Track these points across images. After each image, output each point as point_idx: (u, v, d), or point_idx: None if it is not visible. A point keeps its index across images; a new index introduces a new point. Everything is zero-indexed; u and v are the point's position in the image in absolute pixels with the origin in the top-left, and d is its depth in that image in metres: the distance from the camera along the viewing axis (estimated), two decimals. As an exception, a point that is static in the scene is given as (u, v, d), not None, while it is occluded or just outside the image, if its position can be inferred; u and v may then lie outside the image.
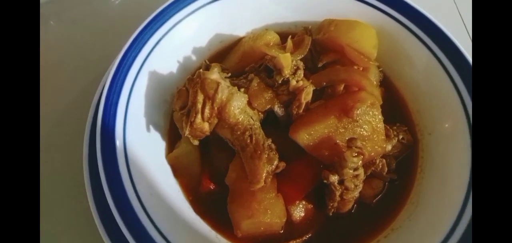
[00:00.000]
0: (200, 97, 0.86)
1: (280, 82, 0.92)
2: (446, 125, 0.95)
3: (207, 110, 0.86)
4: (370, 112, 0.87)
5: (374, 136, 0.88)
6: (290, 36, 1.02)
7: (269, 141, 0.86)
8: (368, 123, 0.87)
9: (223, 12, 1.13)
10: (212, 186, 0.93)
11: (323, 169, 0.84)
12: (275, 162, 0.84)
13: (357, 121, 0.85)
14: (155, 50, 1.02)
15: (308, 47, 1.00)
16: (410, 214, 0.89)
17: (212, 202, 0.92)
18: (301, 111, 0.90)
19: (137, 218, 0.78)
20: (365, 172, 0.85)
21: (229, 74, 0.94)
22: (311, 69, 1.03)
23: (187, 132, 0.88)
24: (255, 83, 0.93)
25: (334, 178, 0.81)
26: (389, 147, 0.93)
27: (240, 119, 0.87)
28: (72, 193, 1.00)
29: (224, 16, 1.14)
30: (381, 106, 0.91)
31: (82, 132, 0.92)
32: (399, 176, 0.95)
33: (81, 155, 0.89)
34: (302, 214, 0.89)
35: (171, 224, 0.82)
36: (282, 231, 0.88)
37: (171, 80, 1.06)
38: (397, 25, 1.06)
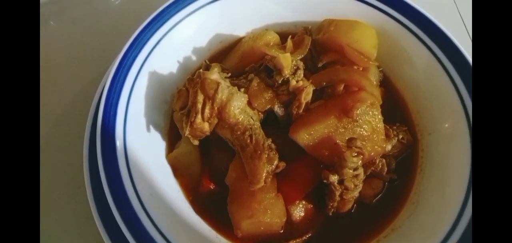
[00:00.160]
0: (200, 97, 0.86)
1: (280, 82, 0.92)
2: (446, 125, 0.95)
3: (207, 110, 0.86)
4: (370, 112, 0.87)
5: (374, 136, 0.88)
6: (290, 36, 1.03)
7: (269, 141, 0.86)
8: (368, 123, 0.87)
9: (223, 12, 1.13)
10: (212, 186, 0.93)
11: (323, 169, 0.85)
12: (275, 162, 0.84)
13: (357, 121, 0.85)
14: (155, 50, 1.02)
15: (308, 47, 1.00)
16: (410, 214, 0.89)
17: (212, 202, 0.92)
18: (301, 111, 0.90)
19: (137, 218, 0.78)
20: (365, 172, 0.85)
21: (229, 74, 0.94)
22: (311, 69, 1.03)
23: (187, 132, 0.88)
24: (255, 83, 0.93)
25: (334, 178, 0.81)
26: (389, 147, 0.93)
27: (240, 119, 0.87)
28: (72, 193, 1.00)
29: (224, 16, 1.14)
30: (381, 106, 0.91)
31: (82, 132, 0.92)
32: (399, 176, 0.95)
33: (81, 155, 0.89)
34: (302, 214, 0.89)
35: (171, 224, 0.82)
36: (282, 231, 0.88)
37: (171, 80, 1.06)
38: (397, 25, 1.07)
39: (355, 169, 0.81)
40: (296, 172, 0.88)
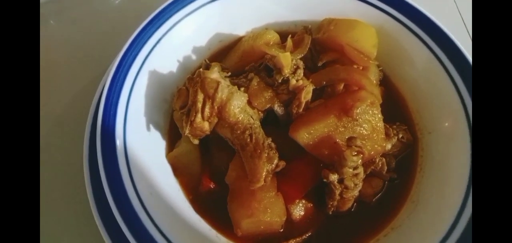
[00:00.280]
0: (200, 97, 0.86)
1: (280, 81, 0.92)
2: (446, 124, 0.95)
3: (207, 109, 0.86)
4: (370, 111, 0.87)
5: (374, 135, 0.88)
6: (290, 35, 1.03)
7: (269, 140, 0.86)
8: (368, 122, 0.87)
9: (223, 11, 1.13)
10: (212, 185, 0.93)
11: (323, 168, 0.85)
12: (275, 161, 0.84)
13: (357, 120, 0.86)
14: (155, 49, 1.02)
15: (308, 46, 1.01)
16: (410, 213, 0.89)
17: (212, 201, 0.92)
18: (301, 110, 0.90)
19: (138, 217, 0.78)
20: (364, 171, 0.85)
21: (229, 74, 0.95)
22: (311, 68, 1.03)
23: (187, 131, 0.88)
24: (255, 82, 0.93)
25: (334, 177, 0.81)
26: (388, 146, 0.94)
27: (240, 118, 0.87)
28: (73, 193, 1.00)
29: (224, 15, 1.14)
30: (381, 105, 0.91)
31: (82, 132, 0.93)
32: (399, 175, 0.95)
33: (81, 154, 0.89)
34: (302, 213, 0.89)
35: (171, 223, 0.82)
36: (282, 230, 0.88)
37: (171, 79, 1.06)
38: (397, 24, 1.07)
39: (355, 168, 0.81)
40: (296, 171, 0.88)
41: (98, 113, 0.88)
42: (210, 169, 0.95)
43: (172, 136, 1.01)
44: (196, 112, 0.86)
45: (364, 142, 0.85)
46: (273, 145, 0.86)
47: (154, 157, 0.94)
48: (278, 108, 0.93)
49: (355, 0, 1.11)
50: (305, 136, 0.85)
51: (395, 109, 1.06)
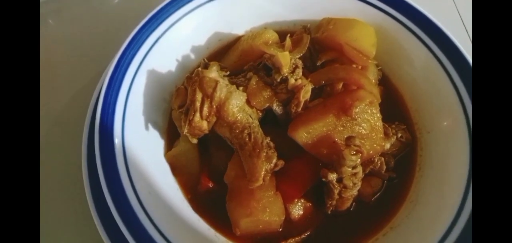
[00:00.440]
0: (199, 96, 0.86)
1: (278, 80, 0.92)
2: (445, 124, 0.95)
3: (205, 109, 0.86)
4: (369, 111, 0.87)
5: (373, 134, 0.88)
6: (289, 35, 1.03)
7: (268, 139, 0.86)
8: (367, 121, 0.87)
9: (222, 10, 1.13)
10: (210, 185, 0.93)
11: (322, 167, 0.84)
12: (274, 160, 0.84)
13: (356, 120, 0.85)
14: (153, 48, 1.02)
15: (307, 45, 1.01)
16: (409, 212, 0.89)
17: (211, 201, 0.92)
18: (299, 109, 0.90)
19: (136, 216, 0.78)
20: (363, 170, 0.85)
21: (228, 73, 0.95)
22: (310, 67, 1.03)
23: (185, 131, 0.88)
24: (253, 81, 0.93)
25: (333, 176, 0.81)
26: (387, 146, 0.93)
27: (239, 117, 0.87)
28: (71, 192, 1.00)
29: (223, 14, 1.14)
30: (380, 105, 0.91)
31: (80, 131, 0.92)
32: (398, 174, 0.95)
33: (79, 154, 0.89)
34: (301, 212, 0.89)
35: (170, 223, 0.82)
36: (280, 229, 0.88)
37: (169, 78, 1.06)
38: (396, 24, 1.07)
39: (354, 167, 0.81)
40: (295, 170, 0.88)
41: (96, 112, 0.88)
42: (209, 168, 0.95)
43: (171, 135, 1.01)
44: (195, 111, 0.86)
45: (363, 141, 0.85)
46: (272, 144, 0.86)
47: (153, 156, 0.94)
48: (277, 108, 0.93)
49: (354, 0, 1.11)
50: (304, 135, 0.85)
51: (394, 108, 1.06)
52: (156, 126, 0.99)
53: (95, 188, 0.84)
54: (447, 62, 0.97)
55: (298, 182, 0.88)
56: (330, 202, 0.85)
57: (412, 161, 0.98)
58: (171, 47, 1.07)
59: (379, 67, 1.08)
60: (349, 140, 0.82)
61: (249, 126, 0.87)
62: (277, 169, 0.84)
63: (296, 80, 0.91)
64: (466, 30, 1.37)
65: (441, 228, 0.78)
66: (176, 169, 0.95)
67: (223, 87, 0.87)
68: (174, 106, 0.94)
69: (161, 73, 1.04)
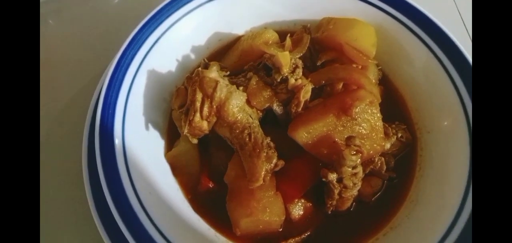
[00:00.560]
0: (199, 96, 0.86)
1: (279, 80, 0.92)
2: (445, 123, 0.95)
3: (205, 109, 0.86)
4: (369, 110, 0.87)
5: (373, 134, 0.88)
6: (289, 35, 1.03)
7: (268, 139, 0.86)
8: (367, 121, 0.87)
9: (222, 10, 1.13)
10: (211, 185, 0.93)
11: (322, 167, 0.84)
12: (274, 161, 0.84)
13: (356, 119, 0.85)
14: (153, 48, 1.02)
15: (307, 45, 1.00)
16: (409, 212, 0.89)
17: (211, 201, 0.92)
18: (300, 109, 0.90)
19: (136, 216, 0.78)
20: (364, 170, 0.85)
21: (228, 73, 0.94)
22: (310, 67, 1.03)
23: (186, 131, 0.88)
24: (254, 81, 0.93)
25: (333, 176, 0.81)
26: (388, 145, 0.93)
27: (239, 117, 0.87)
28: (71, 192, 1.00)
29: (223, 14, 1.14)
30: (380, 104, 0.91)
31: (81, 131, 0.92)
32: (398, 174, 0.95)
33: (80, 154, 0.89)
34: (301, 212, 0.89)
35: (170, 223, 0.82)
36: (281, 229, 0.88)
37: (169, 78, 1.06)
38: (396, 23, 1.06)
39: (354, 167, 0.81)
40: (295, 170, 0.88)
41: (96, 112, 0.88)
42: (209, 169, 0.95)
43: (171, 136, 1.01)
44: (195, 112, 0.86)
45: (363, 141, 0.85)
46: (272, 144, 0.86)
47: (153, 156, 0.94)
48: (277, 107, 0.93)
49: (354, -1, 1.11)
50: (304, 135, 0.85)
51: (394, 108, 1.06)
52: (156, 126, 0.99)
53: (95, 188, 0.84)
54: (448, 62, 0.97)
55: (298, 182, 0.88)
56: (330, 202, 0.85)
57: (412, 161, 0.98)
58: (171, 47, 1.07)
59: (379, 67, 1.08)
60: (349, 140, 0.82)
61: (249, 126, 0.87)
62: (277, 169, 0.84)
63: (296, 80, 0.91)
64: (466, 30, 1.37)
65: (441, 228, 0.78)
66: (176, 169, 0.95)
67: (223, 87, 0.87)
68: (174, 106, 0.94)
69: (161, 73, 1.04)
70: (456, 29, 1.32)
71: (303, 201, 0.89)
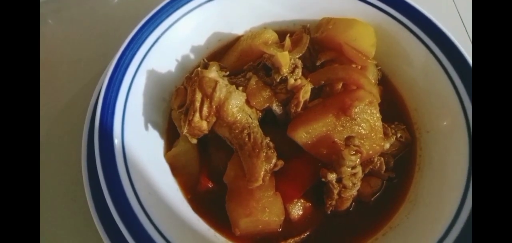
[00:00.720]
0: (198, 96, 0.86)
1: (278, 80, 0.92)
2: (444, 123, 0.95)
3: (205, 109, 0.86)
4: (368, 111, 0.87)
5: (372, 134, 0.88)
6: (288, 35, 1.03)
7: (267, 139, 0.86)
8: (366, 121, 0.87)
9: (221, 10, 1.13)
10: (210, 185, 0.93)
11: (321, 167, 0.84)
12: (273, 161, 0.84)
13: (355, 120, 0.85)
14: (153, 48, 1.02)
15: (307, 45, 1.01)
16: (408, 212, 0.89)
17: (211, 201, 0.92)
18: (299, 109, 0.90)
19: (136, 216, 0.78)
20: (363, 170, 0.85)
21: (228, 73, 0.94)
22: (309, 67, 1.03)
23: (185, 131, 0.88)
24: (253, 81, 0.93)
25: (332, 176, 0.81)
26: (387, 146, 0.93)
27: (238, 117, 0.87)
28: (71, 192, 1.00)
29: (222, 14, 1.14)
30: (379, 105, 0.91)
31: (80, 131, 0.92)
32: (397, 174, 0.95)
33: (79, 154, 0.89)
34: (300, 212, 0.89)
35: (170, 223, 0.82)
36: (280, 229, 0.88)
37: (169, 78, 1.06)
38: (396, 24, 1.07)
39: (353, 167, 0.81)
40: (294, 170, 0.88)
41: (96, 112, 0.88)
42: (208, 169, 0.95)
43: (170, 136, 1.01)
44: (194, 112, 0.86)
45: (362, 141, 0.85)
46: (271, 144, 0.86)
47: (152, 156, 0.94)
48: (276, 108, 0.93)
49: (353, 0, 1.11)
50: (303, 135, 0.85)
51: (394, 108, 1.06)
52: (155, 126, 0.99)
53: (95, 189, 0.84)
54: (447, 62, 0.97)
55: (297, 182, 0.88)
56: (329, 202, 0.85)
57: (411, 161, 0.98)
58: (171, 47, 1.07)
59: (379, 67, 1.08)
60: (348, 140, 0.82)
61: (249, 126, 0.87)
62: (276, 169, 0.84)
63: (295, 80, 0.91)
64: (466, 30, 1.37)
65: (440, 228, 0.78)
66: (176, 169, 0.95)
67: (223, 87, 0.87)
68: (174, 106, 0.94)
69: (161, 73, 1.04)
70: (455, 29, 1.32)
71: (302, 201, 0.89)
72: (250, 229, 0.85)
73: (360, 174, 0.83)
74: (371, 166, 0.90)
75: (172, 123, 0.97)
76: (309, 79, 0.94)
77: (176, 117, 0.94)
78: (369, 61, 1.02)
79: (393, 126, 0.98)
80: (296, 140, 0.86)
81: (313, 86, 0.93)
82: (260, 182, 0.82)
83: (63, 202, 1.00)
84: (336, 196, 0.84)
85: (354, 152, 0.80)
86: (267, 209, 0.83)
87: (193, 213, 0.90)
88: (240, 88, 0.91)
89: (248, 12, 1.16)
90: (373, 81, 1.00)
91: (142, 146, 0.91)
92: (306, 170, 0.88)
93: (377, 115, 0.89)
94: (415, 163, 0.97)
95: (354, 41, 1.00)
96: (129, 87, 0.94)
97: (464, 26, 1.38)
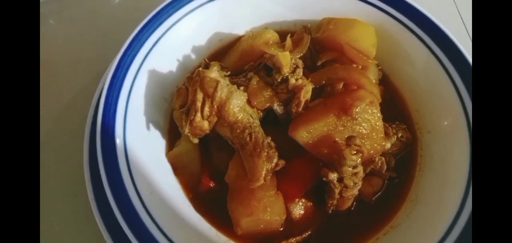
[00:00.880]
0: (200, 96, 0.86)
1: (279, 80, 0.92)
2: (445, 123, 0.95)
3: (206, 109, 0.86)
4: (369, 110, 0.87)
5: (373, 134, 0.88)
6: (289, 35, 1.03)
7: (269, 139, 0.86)
8: (367, 121, 0.87)
9: (222, 10, 1.13)
10: (212, 184, 0.93)
11: (323, 167, 0.85)
12: (275, 160, 0.84)
13: (356, 119, 0.86)
14: (154, 48, 1.02)
15: (307, 45, 1.01)
16: (409, 212, 0.89)
17: (212, 200, 0.92)
18: (300, 109, 0.90)
19: (138, 216, 0.78)
20: (364, 170, 0.86)
21: (229, 73, 0.95)
22: (310, 67, 1.03)
23: (186, 131, 0.88)
24: (254, 81, 0.93)
25: (334, 176, 0.81)
26: (388, 145, 0.94)
27: (240, 117, 0.87)
28: (73, 192, 1.00)
29: (223, 14, 1.14)
30: (380, 104, 0.91)
31: (82, 131, 0.93)
32: (398, 174, 0.95)
33: (81, 154, 0.89)
34: (302, 212, 0.89)
35: (172, 222, 0.82)
36: (281, 229, 0.88)
37: (170, 78, 1.06)
38: (396, 24, 1.07)
39: (355, 167, 0.81)
40: (296, 170, 0.88)
41: (98, 112, 0.88)
42: (210, 168, 0.95)
43: (172, 135, 1.01)
44: (196, 111, 0.86)
45: (363, 141, 0.86)
46: (272, 144, 0.86)
47: (154, 156, 0.94)
48: (277, 107, 0.93)
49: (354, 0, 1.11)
50: (304, 135, 0.85)
51: (395, 108, 1.06)
52: (157, 126, 0.99)
53: (97, 188, 0.84)
54: (448, 62, 0.97)
55: (299, 181, 0.88)
56: (331, 202, 0.86)
57: (412, 161, 0.98)
58: (172, 47, 1.07)
59: (380, 67, 1.08)
60: (349, 139, 0.82)
61: (250, 126, 0.87)
62: (278, 168, 0.85)
63: (296, 80, 0.91)
64: (466, 30, 1.37)
65: (441, 227, 0.79)
66: (178, 169, 0.96)
67: (224, 87, 0.87)
68: (175, 106, 0.94)
69: (162, 73, 1.04)
70: (456, 29, 1.32)
71: (303, 200, 0.89)
72: (252, 228, 0.85)
73: (361, 174, 0.83)
74: (372, 166, 0.90)
75: (174, 123, 0.97)
76: (310, 79, 0.94)
77: (177, 117, 0.94)
78: (370, 61, 1.02)
79: (394, 126, 0.98)
80: (297, 140, 0.86)
81: (314, 86, 0.93)
82: (262, 181, 0.82)
83: (65, 202, 1.00)
84: (337, 196, 0.84)
85: (355, 152, 0.80)
86: (268, 208, 0.83)
87: (195, 213, 0.90)
88: (241, 88, 0.91)
89: (249, 12, 1.16)
90: (374, 81, 1.00)
91: (144, 146, 0.91)
92: (307, 169, 0.88)
93: (378, 115, 0.89)
94: (416, 163, 0.97)
95: (355, 41, 1.00)
96: (130, 87, 0.94)
97: (465, 26, 1.38)
